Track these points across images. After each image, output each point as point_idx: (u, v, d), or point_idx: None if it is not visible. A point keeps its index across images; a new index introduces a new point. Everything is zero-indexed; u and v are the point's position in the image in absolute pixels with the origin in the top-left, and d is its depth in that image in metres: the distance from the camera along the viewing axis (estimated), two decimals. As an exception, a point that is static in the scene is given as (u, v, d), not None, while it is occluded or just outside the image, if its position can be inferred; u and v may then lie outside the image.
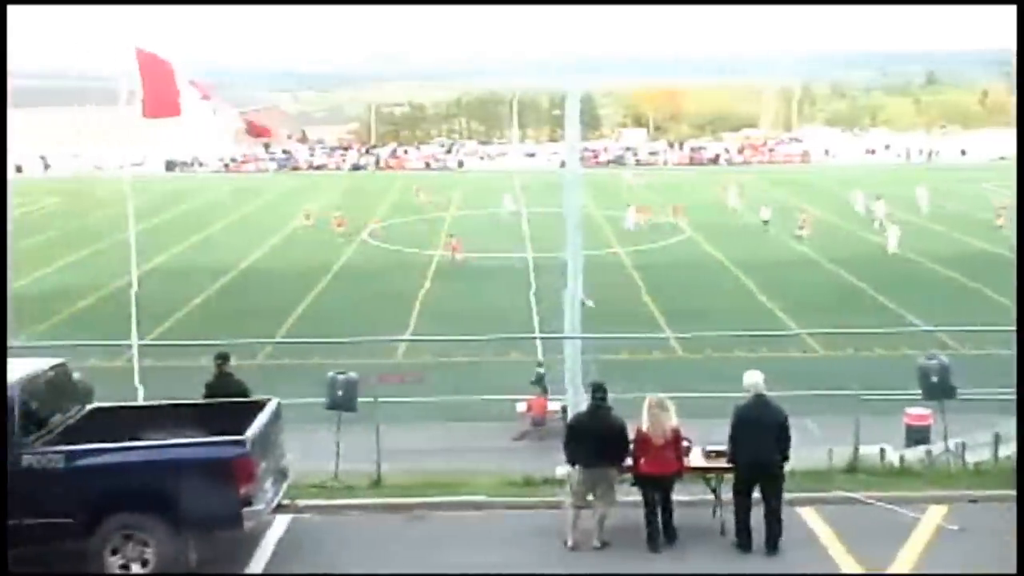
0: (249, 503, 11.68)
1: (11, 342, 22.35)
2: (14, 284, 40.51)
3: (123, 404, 14.39)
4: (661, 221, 56.77)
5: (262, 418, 12.50)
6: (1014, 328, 18.43)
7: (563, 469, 13.22)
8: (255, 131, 17.62)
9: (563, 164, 47.00)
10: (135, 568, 11.54)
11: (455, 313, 33.71)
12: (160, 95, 16.00)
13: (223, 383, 15.14)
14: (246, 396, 14.69)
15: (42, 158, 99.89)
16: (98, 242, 49.02)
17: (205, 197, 73.44)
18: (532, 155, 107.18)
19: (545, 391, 22.86)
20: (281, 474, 13.11)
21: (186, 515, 11.56)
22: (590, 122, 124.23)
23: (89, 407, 13.38)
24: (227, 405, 13.89)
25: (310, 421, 15.63)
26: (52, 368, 13.00)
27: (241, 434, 11.85)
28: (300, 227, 56.32)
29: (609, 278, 37.17)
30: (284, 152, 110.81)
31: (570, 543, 12.55)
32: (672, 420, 12.32)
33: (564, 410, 17.09)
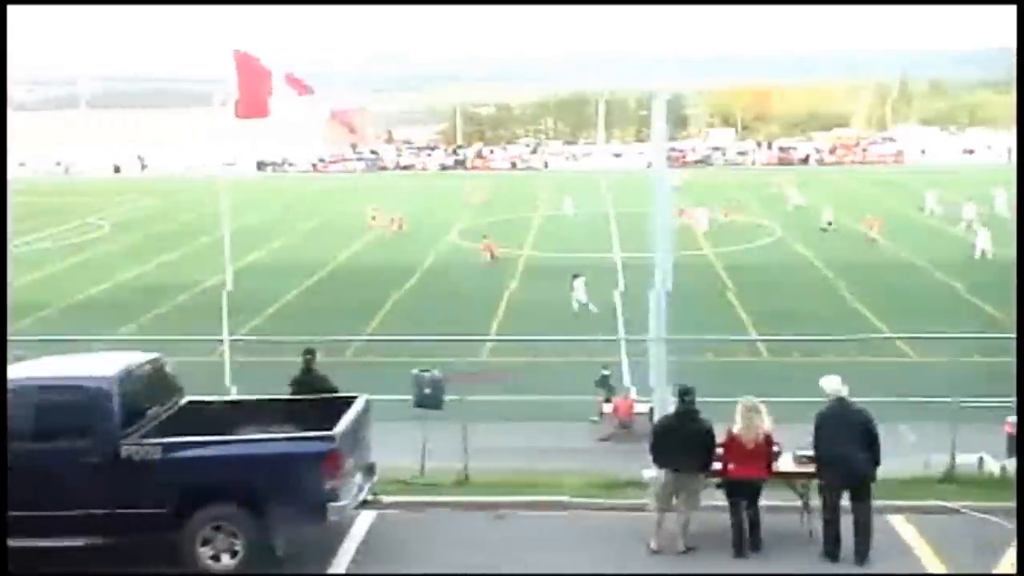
0: (335, 498, 11.84)
1: (109, 336, 22.94)
2: (113, 280, 41.62)
3: (216, 398, 14.68)
4: (738, 221, 56.23)
5: (350, 414, 12.66)
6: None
7: (649, 472, 13.13)
8: (342, 122, 17.78)
9: (649, 164, 46.73)
10: (224, 559, 11.76)
11: (540, 313, 33.69)
12: (253, 96, 16.28)
13: (309, 379, 15.39)
14: (331, 392, 14.92)
15: (139, 158, 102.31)
16: (192, 241, 50.10)
17: (295, 196, 74.57)
18: (618, 155, 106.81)
19: (610, 392, 22.86)
20: (368, 470, 13.25)
21: (274, 508, 11.75)
22: (677, 122, 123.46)
23: (183, 400, 13.68)
24: (316, 401, 14.09)
25: (396, 418, 15.76)
26: (148, 362, 13.32)
27: (330, 430, 12.02)
28: (383, 225, 56.75)
29: (696, 279, 36.84)
30: (372, 152, 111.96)
31: (654, 546, 12.46)
32: (765, 424, 12.16)
33: (651, 412, 16.96)
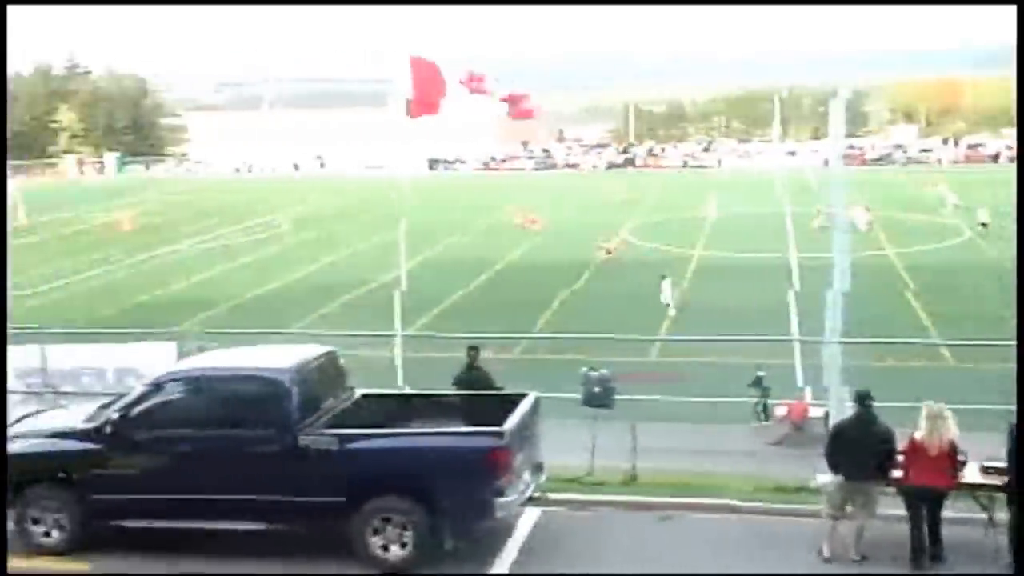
0: (503, 494, 11.92)
1: (285, 329, 23.69)
2: (289, 277, 43.08)
3: (389, 392, 15.00)
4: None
5: (520, 411, 12.73)
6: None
7: (822, 478, 12.76)
8: (518, 113, 17.91)
9: (826, 163, 45.40)
10: (394, 550, 12.00)
11: (711, 312, 33.19)
12: (426, 96, 16.60)
13: (472, 376, 15.57)
14: (492, 389, 15.09)
15: (318, 157, 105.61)
16: (366, 239, 51.40)
17: (466, 194, 75.68)
18: (793, 153, 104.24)
19: (764, 394, 22.36)
20: (536, 467, 13.31)
21: (443, 502, 11.91)
22: (856, 119, 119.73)
23: (358, 393, 14.02)
24: (486, 397, 14.25)
25: (564, 416, 15.77)
26: (323, 355, 13.71)
27: (500, 426, 12.11)
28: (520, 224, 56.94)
29: (875, 280, 35.61)
30: (543, 151, 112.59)
31: (826, 554, 12.10)
32: (951, 431, 11.65)
33: (826, 416, 16.48)
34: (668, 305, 34.20)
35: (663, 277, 35.70)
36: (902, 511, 11.98)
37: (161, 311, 34.81)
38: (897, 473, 11.98)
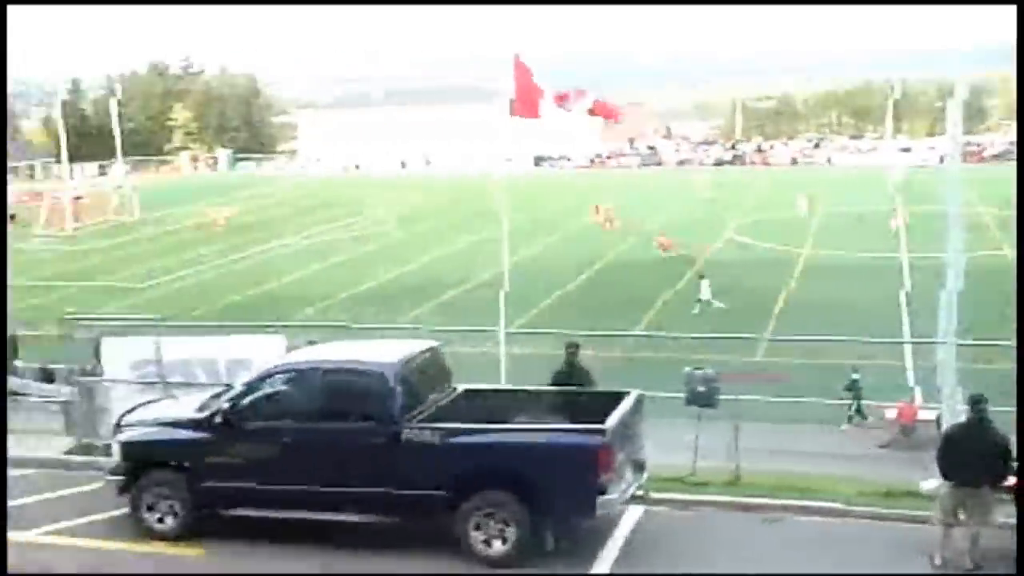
0: (604, 491, 11.88)
1: (391, 324, 23.97)
2: (394, 273, 43.61)
3: (491, 387, 15.06)
4: None
5: (622, 409, 12.67)
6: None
7: (932, 483, 12.43)
8: (601, 111, 17.86)
9: (942, 160, 44.16)
10: (495, 545, 12.05)
11: (819, 313, 32.59)
12: (525, 97, 16.76)
13: (570, 372, 15.54)
14: (590, 386, 15.05)
15: (424, 154, 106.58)
16: (471, 235, 51.72)
17: (571, 192, 75.55)
18: (907, 150, 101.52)
19: (858, 397, 21.94)
20: (638, 466, 13.22)
21: (544, 498, 11.92)
22: (975, 115, 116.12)
23: (460, 388, 14.12)
24: (588, 394, 14.22)
25: (668, 415, 15.66)
26: (427, 350, 13.84)
27: (602, 423, 12.07)
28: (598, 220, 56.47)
29: (989, 280, 34.54)
30: (648, 148, 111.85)
31: (938, 562, 11.79)
32: None
33: (938, 419, 16.06)
34: (709, 301, 34.11)
35: (701, 277, 35.55)
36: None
37: (269, 305, 35.57)
38: (1011, 480, 11.61)
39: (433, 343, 14.28)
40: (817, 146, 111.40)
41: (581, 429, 12.24)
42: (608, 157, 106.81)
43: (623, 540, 12.81)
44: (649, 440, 13.59)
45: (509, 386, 16.15)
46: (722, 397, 15.64)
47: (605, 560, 12.33)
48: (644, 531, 13.12)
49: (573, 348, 15.91)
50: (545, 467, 12.00)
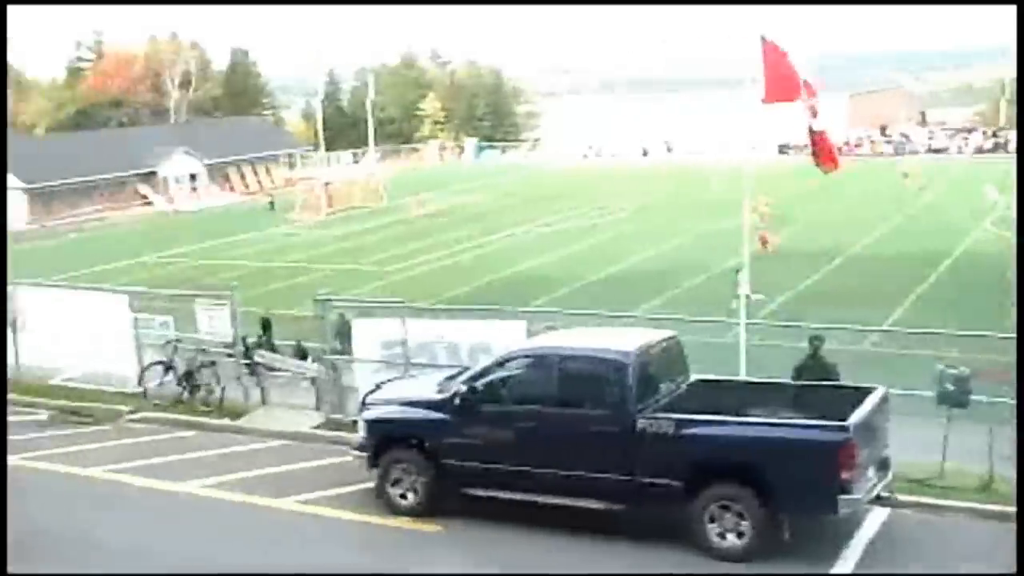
0: (847, 490, 11.49)
1: (628, 313, 23.91)
2: (628, 261, 43.54)
3: (725, 378, 14.83)
4: None
5: (866, 405, 12.22)
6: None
7: None
8: (809, 91, 16.87)
9: None
10: (730, 538, 11.88)
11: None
12: (779, 81, 16.21)
13: (813, 366, 15.12)
14: (834, 381, 14.55)
15: (665, 142, 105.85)
16: (712, 223, 51.01)
17: (819, 180, 73.11)
18: None
19: None
20: (882, 465, 12.73)
21: (782, 494, 11.66)
22: None
23: (696, 378, 13.97)
24: (831, 389, 13.80)
25: (916, 414, 14.94)
26: (664, 339, 13.77)
27: (843, 419, 11.67)
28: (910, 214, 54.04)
29: None
30: (901, 135, 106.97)
31: None
32: None
33: None
34: (748, 296, 31.98)
35: (737, 271, 33.41)
36: None
37: (508, 290, 36.24)
38: None
39: (671, 333, 14.19)
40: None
41: (822, 425, 11.88)
42: (857, 144, 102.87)
43: (867, 541, 12.35)
44: (896, 439, 13.03)
45: (745, 378, 15.84)
46: (975, 398, 14.78)
47: (847, 560, 11.93)
48: (889, 533, 12.61)
49: (817, 341, 15.49)
50: (784, 462, 11.73)
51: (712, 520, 11.94)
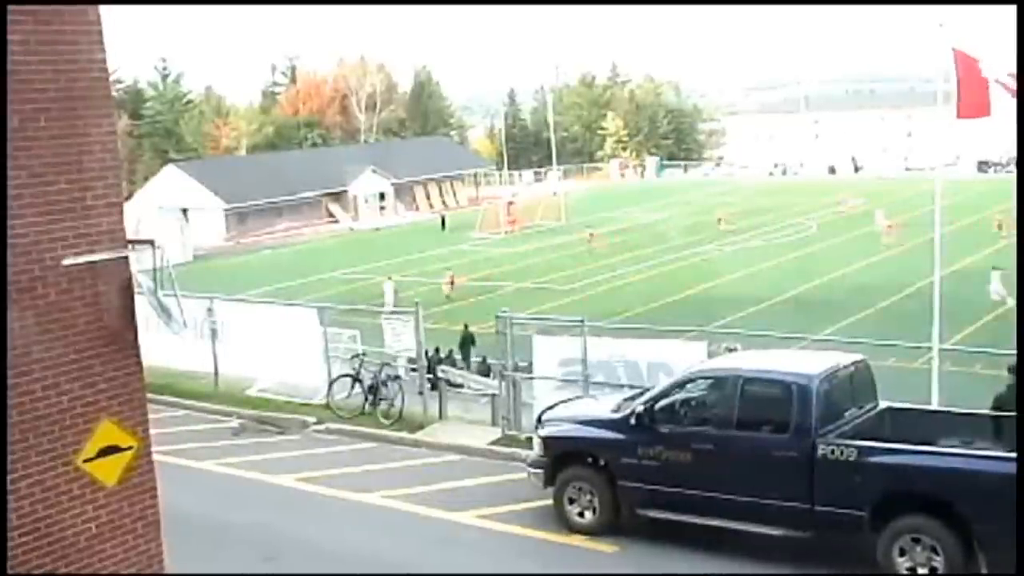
0: (1047, 527, 10.83)
1: (812, 334, 23.30)
2: (817, 280, 42.36)
3: (915, 406, 14.23)
4: None
5: (1067, 438, 11.49)
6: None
7: None
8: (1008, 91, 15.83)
9: None
10: (921, 572, 11.37)
11: None
12: (973, 96, 15.48)
13: (1013, 397, 14.20)
14: None
15: (852, 159, 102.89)
16: (903, 242, 49.21)
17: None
18: None
19: None
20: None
21: (979, 529, 11.09)
22: None
23: (881, 405, 13.47)
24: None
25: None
26: (852, 364, 13.34)
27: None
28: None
29: None
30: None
31: None
32: None
33: None
34: (1003, 297, 29.60)
35: (994, 268, 30.70)
36: None
37: (692, 310, 35.82)
38: None
39: (859, 357, 13.73)
40: None
41: (1014, 458, 11.22)
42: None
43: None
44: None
45: (935, 407, 15.15)
46: None
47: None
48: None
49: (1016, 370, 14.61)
50: (978, 495, 11.16)
51: (903, 553, 11.47)
